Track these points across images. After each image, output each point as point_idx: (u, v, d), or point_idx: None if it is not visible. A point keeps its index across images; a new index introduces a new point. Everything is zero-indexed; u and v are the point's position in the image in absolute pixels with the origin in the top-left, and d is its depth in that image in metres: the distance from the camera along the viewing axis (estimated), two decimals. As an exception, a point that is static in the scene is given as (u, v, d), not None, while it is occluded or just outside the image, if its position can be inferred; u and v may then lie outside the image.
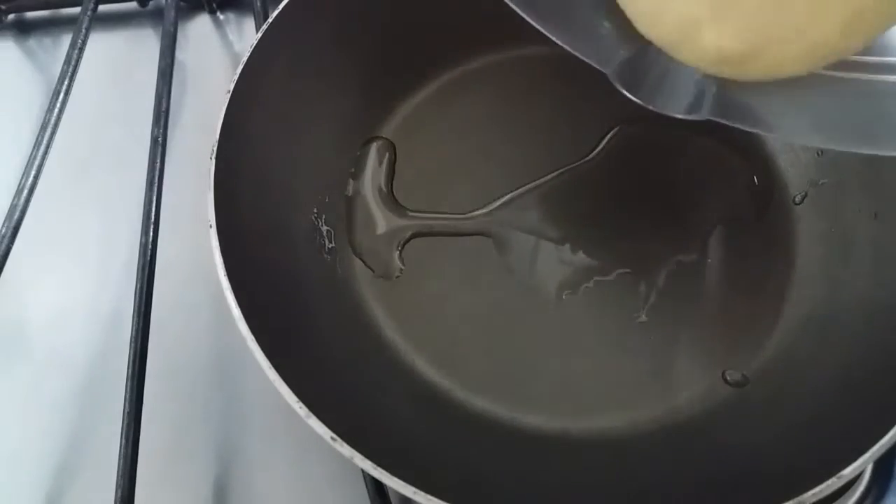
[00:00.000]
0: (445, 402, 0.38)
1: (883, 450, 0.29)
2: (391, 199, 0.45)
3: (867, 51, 0.29)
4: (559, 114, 0.47)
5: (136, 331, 0.38)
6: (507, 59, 0.49)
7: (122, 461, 0.34)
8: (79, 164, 0.49)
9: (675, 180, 0.45)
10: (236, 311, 0.31)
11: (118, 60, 0.54)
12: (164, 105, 0.46)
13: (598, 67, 0.29)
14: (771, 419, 0.36)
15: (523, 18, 0.31)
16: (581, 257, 0.42)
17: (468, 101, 0.48)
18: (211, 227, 0.33)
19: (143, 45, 0.55)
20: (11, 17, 0.57)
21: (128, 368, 0.37)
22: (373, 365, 0.39)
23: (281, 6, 0.40)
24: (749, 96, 0.30)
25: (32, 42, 0.56)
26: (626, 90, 0.29)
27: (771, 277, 0.41)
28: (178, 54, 0.51)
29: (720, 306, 0.41)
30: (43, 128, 0.43)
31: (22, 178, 0.41)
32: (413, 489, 0.27)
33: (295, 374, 0.30)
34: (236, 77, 0.37)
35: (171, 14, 0.52)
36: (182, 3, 0.54)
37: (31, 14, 0.57)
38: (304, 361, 0.34)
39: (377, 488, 0.35)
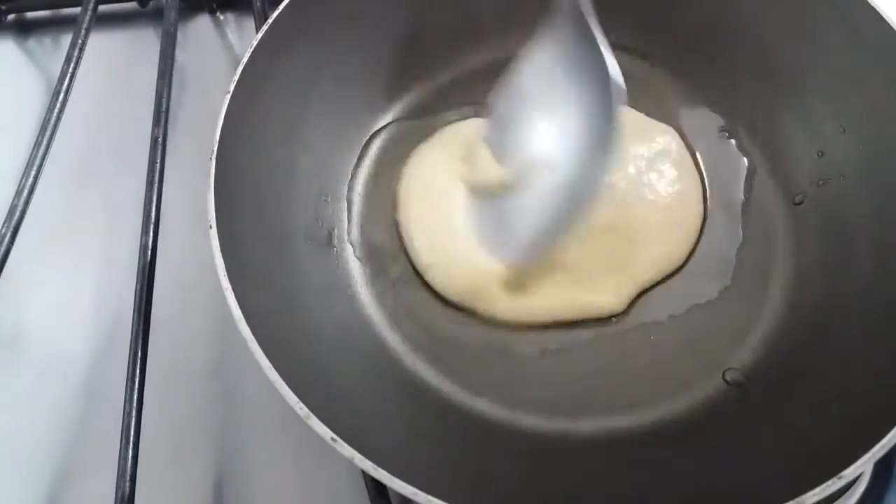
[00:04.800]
0: (445, 403, 0.38)
1: (883, 450, 0.29)
2: (391, 199, 0.44)
3: None
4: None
5: (136, 331, 0.38)
6: (506, 60, 0.49)
7: (122, 461, 0.34)
8: (79, 164, 0.49)
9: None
10: (237, 312, 0.31)
11: (118, 60, 0.55)
12: (164, 105, 0.46)
13: None
14: (771, 419, 0.36)
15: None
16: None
17: (468, 101, 0.48)
18: (211, 227, 0.33)
19: (143, 45, 0.55)
20: (11, 17, 0.57)
21: (128, 368, 0.37)
22: (373, 365, 0.39)
23: (281, 6, 0.40)
24: None
25: (32, 42, 0.57)
26: None
27: (771, 277, 0.41)
28: (178, 54, 0.51)
29: (720, 306, 0.41)
30: (43, 128, 0.44)
31: (22, 178, 0.41)
32: (413, 489, 0.27)
33: (295, 375, 0.30)
34: (236, 77, 0.37)
35: (171, 14, 0.52)
36: (182, 4, 0.54)
37: (31, 14, 0.57)
38: (304, 362, 0.34)
39: (377, 489, 0.35)
